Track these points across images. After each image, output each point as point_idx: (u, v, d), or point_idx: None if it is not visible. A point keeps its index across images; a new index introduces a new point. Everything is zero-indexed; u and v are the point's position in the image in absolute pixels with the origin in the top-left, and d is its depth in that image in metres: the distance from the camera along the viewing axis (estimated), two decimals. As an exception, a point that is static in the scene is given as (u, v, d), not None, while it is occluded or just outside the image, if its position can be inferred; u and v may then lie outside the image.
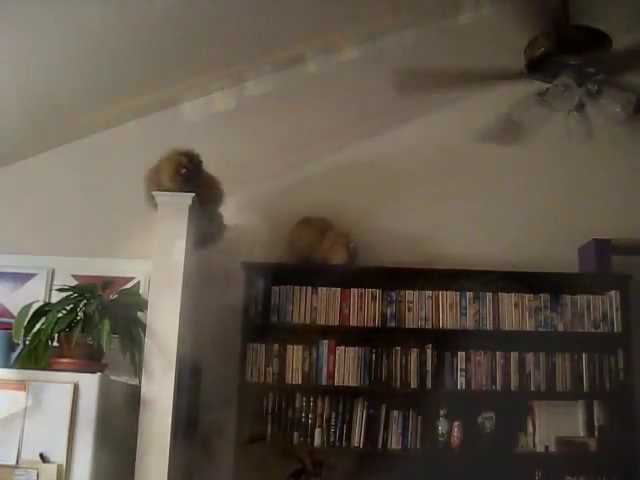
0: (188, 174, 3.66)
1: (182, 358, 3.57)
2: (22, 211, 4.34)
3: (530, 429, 4.05)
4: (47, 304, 3.65)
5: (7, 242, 4.24)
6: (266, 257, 4.27)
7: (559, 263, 4.32)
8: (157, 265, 3.66)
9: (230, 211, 4.21)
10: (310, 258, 4.27)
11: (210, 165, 3.83)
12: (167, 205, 3.73)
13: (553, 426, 4.03)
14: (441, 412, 4.02)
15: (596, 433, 3.99)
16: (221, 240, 4.12)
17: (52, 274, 4.22)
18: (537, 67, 3.32)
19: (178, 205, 3.71)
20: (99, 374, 3.27)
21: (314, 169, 4.43)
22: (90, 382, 3.23)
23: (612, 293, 4.21)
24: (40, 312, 3.50)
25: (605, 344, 4.14)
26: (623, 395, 4.02)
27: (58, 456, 3.10)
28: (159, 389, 3.45)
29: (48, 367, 3.36)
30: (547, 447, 3.99)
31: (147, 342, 3.50)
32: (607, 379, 4.08)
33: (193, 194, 3.68)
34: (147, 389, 3.45)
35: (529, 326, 4.16)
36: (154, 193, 3.73)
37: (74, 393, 3.18)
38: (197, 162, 3.74)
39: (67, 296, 3.59)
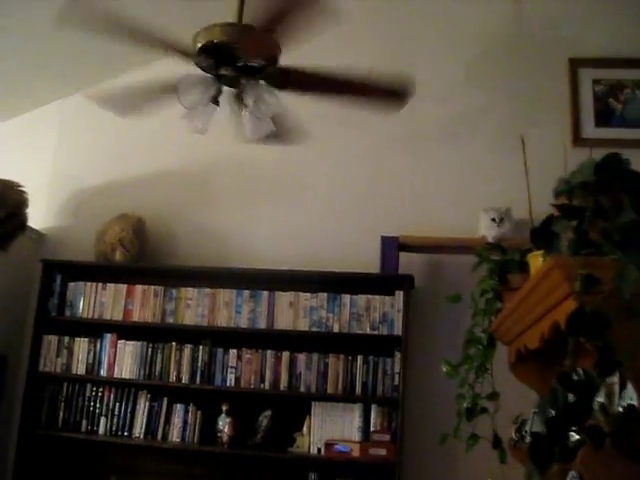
0: None
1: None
2: None
3: (305, 430, 4.00)
4: None
5: None
6: (74, 256, 4.44)
7: (362, 262, 4.09)
8: None
9: (43, 213, 4.60)
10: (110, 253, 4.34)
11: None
12: None
13: (328, 429, 3.95)
14: (223, 408, 4.07)
15: (371, 438, 3.87)
16: (18, 240, 4.32)
17: None
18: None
19: None
20: None
21: (135, 175, 4.63)
22: None
23: (396, 294, 3.93)
24: None
25: (383, 347, 3.92)
26: (398, 400, 3.83)
27: None
28: None
29: None
30: (319, 449, 3.93)
31: None
32: (382, 383, 3.89)
33: None
34: None
35: (303, 326, 4.01)
36: None
37: None
38: None
39: None
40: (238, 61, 2.85)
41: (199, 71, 2.95)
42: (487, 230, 3.83)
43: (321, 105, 3.96)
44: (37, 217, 4.58)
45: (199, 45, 2.86)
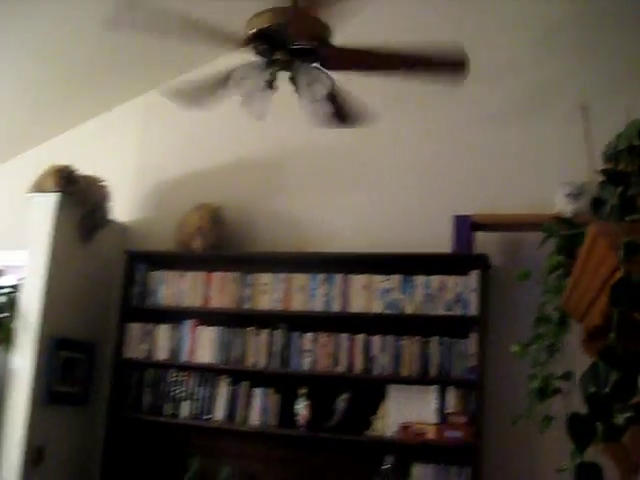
0: (67, 176, 4.30)
1: (49, 336, 4.13)
2: None
3: (382, 413, 3.98)
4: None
5: None
6: (157, 246, 4.59)
7: (432, 242, 4.05)
8: (30, 254, 4.22)
9: (127, 206, 4.81)
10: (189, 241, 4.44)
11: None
12: (37, 204, 4.29)
13: (404, 411, 3.91)
14: (300, 392, 4.10)
15: (447, 420, 3.82)
16: (104, 231, 4.56)
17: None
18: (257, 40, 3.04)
19: (45, 204, 4.22)
20: None
21: (214, 164, 4.73)
22: None
23: (470, 273, 3.85)
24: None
25: (458, 328, 3.86)
26: (474, 382, 3.76)
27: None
28: (23, 361, 4.06)
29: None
30: (396, 432, 3.90)
31: (18, 321, 4.12)
32: (457, 364, 3.83)
33: (58, 194, 4.28)
34: (15, 360, 4.08)
35: (377, 308, 3.99)
36: (29, 195, 4.24)
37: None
38: (71, 171, 4.37)
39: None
40: (291, 44, 2.85)
41: (254, 57, 2.97)
42: (563, 206, 3.69)
43: (390, 87, 3.96)
44: (122, 210, 4.76)
45: (252, 31, 2.87)
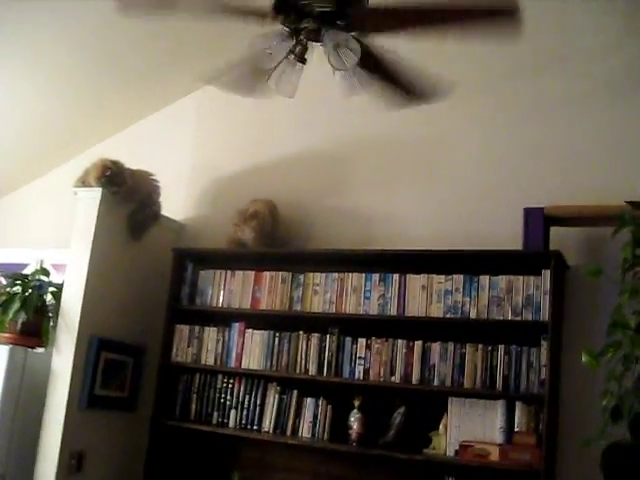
0: (112, 175, 4.07)
1: (91, 337, 3.95)
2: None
3: (442, 429, 3.56)
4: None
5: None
6: (212, 245, 4.34)
7: (500, 238, 3.63)
8: (72, 251, 4.06)
9: (183, 204, 4.64)
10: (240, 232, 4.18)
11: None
12: (82, 199, 4.14)
13: (466, 428, 3.48)
14: (355, 403, 3.74)
15: (513, 440, 3.37)
16: (158, 229, 4.40)
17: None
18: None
19: (90, 199, 4.07)
20: (9, 346, 3.87)
21: (271, 160, 4.50)
22: (2, 352, 3.84)
23: (543, 273, 3.40)
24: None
25: (528, 335, 3.40)
26: (543, 397, 3.29)
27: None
28: (63, 362, 3.87)
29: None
30: (457, 451, 3.48)
31: (59, 321, 3.95)
32: (527, 376, 3.38)
33: (102, 189, 4.09)
34: (55, 361, 3.90)
35: (437, 312, 3.59)
36: (74, 189, 4.09)
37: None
38: (120, 165, 4.16)
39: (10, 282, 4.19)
40: (318, 10, 2.53)
41: (280, 28, 2.66)
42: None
43: (457, 71, 3.60)
44: (177, 208, 4.57)
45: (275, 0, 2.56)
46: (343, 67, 2.59)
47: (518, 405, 3.37)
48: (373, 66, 2.73)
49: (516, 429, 3.35)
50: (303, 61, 2.73)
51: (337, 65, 2.61)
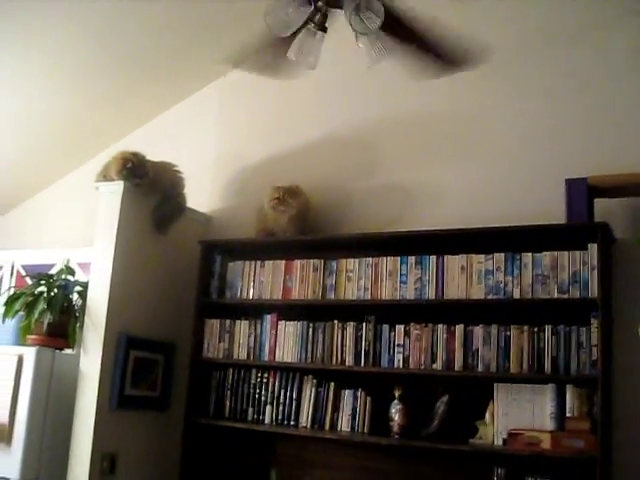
0: (134, 167, 3.93)
1: (118, 335, 3.82)
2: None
3: (488, 418, 3.37)
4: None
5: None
6: (240, 236, 4.19)
7: (542, 213, 3.43)
8: (97, 247, 3.94)
9: (209, 196, 4.53)
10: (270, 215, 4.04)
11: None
12: (104, 194, 4.03)
13: (514, 416, 3.28)
14: (396, 393, 3.57)
15: (566, 427, 3.16)
16: (184, 222, 4.27)
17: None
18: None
19: (112, 193, 3.98)
20: (36, 347, 3.77)
21: (296, 146, 4.34)
22: (29, 355, 3.73)
23: (589, 247, 3.19)
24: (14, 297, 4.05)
25: (576, 313, 3.19)
26: (595, 379, 3.08)
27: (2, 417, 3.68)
28: (91, 362, 3.75)
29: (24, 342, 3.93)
30: (505, 440, 3.28)
31: (86, 320, 3.83)
32: (577, 358, 3.17)
33: (124, 182, 3.95)
34: (84, 361, 3.78)
35: (478, 293, 3.40)
36: (95, 184, 3.98)
37: (18, 364, 3.73)
38: (141, 157, 4.02)
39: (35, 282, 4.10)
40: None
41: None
42: None
43: (493, 36, 3.43)
44: (203, 200, 4.46)
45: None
46: (366, 30, 2.41)
47: (569, 389, 3.16)
48: (398, 29, 2.55)
49: (568, 414, 3.15)
50: (324, 29, 2.58)
51: (359, 29, 2.43)
